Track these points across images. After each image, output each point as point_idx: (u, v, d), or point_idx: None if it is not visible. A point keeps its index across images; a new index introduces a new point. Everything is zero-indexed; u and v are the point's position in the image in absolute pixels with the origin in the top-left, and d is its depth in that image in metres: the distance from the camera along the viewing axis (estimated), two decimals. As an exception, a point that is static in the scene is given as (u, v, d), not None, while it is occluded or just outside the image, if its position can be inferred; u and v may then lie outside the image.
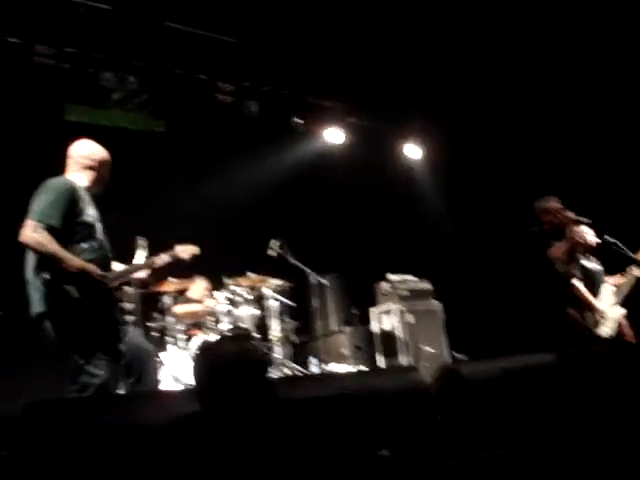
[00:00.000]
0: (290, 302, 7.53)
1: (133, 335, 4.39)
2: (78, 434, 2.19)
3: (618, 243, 5.92)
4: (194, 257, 5.06)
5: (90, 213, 4.16)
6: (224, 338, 2.57)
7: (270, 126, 8.76)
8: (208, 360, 2.05)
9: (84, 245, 4.03)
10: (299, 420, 2.41)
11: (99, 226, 4.24)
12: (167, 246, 7.21)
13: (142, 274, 4.70)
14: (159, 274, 4.79)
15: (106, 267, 4.14)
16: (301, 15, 7.34)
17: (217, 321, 6.96)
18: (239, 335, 6.45)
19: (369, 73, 8.42)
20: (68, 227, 3.98)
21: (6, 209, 6.36)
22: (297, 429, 2.33)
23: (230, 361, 1.98)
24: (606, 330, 5.74)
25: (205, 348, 2.19)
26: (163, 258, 4.73)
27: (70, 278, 3.85)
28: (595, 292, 5.88)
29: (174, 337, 6.79)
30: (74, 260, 3.88)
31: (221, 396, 1.95)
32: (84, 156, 4.34)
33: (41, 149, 7.28)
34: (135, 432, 2.22)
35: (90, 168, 4.31)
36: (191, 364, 4.99)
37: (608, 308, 5.82)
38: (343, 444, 2.64)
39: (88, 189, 4.29)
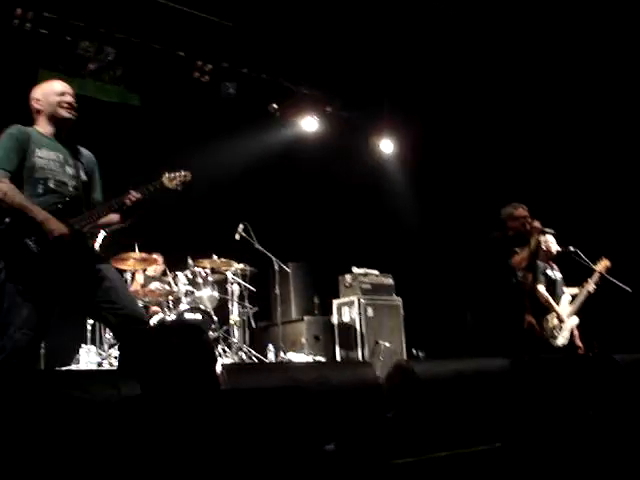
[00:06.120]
0: (252, 287, 7.52)
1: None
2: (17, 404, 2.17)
3: (579, 253, 6.04)
4: (185, 185, 4.32)
5: (43, 155, 3.96)
6: (174, 326, 2.53)
7: (246, 109, 8.71)
8: (153, 345, 2.04)
9: (33, 190, 3.86)
10: (246, 410, 2.41)
11: (56, 167, 4.00)
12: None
13: (114, 217, 4.22)
14: (131, 214, 4.31)
15: (61, 212, 3.89)
16: (285, 2, 7.31)
17: (177, 301, 6.93)
18: (192, 325, 6.40)
19: (349, 64, 8.42)
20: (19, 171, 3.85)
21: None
22: (242, 420, 2.33)
23: (175, 350, 1.97)
24: (561, 340, 5.84)
25: (154, 333, 2.17)
26: (132, 196, 4.15)
27: (32, 230, 3.72)
28: (556, 301, 5.98)
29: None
30: (38, 211, 3.74)
31: (162, 382, 1.94)
32: (31, 103, 4.20)
33: (13, 114, 7.18)
34: (74, 408, 2.21)
35: (38, 111, 4.17)
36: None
37: (566, 317, 5.92)
38: (289, 437, 2.65)
39: (47, 131, 4.07)
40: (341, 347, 8.01)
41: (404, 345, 8.11)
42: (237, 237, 7.43)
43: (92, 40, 7.40)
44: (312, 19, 7.55)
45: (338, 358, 7.91)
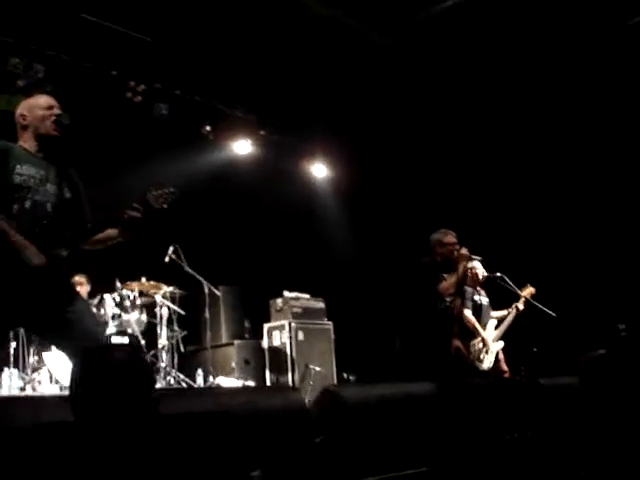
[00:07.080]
0: (181, 310, 7.43)
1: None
2: None
3: (505, 278, 6.17)
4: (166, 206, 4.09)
5: (23, 171, 3.79)
6: (111, 346, 2.44)
7: (179, 130, 8.64)
8: (88, 367, 1.97)
9: (8, 210, 3.65)
10: (173, 436, 2.37)
11: (35, 185, 3.82)
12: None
13: (111, 232, 4.13)
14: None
15: (39, 236, 3.68)
16: (221, 26, 7.32)
17: (104, 325, 6.79)
18: (128, 345, 6.29)
19: (283, 88, 8.46)
20: None
21: None
22: (171, 445, 2.29)
23: (113, 372, 1.92)
24: (486, 363, 5.94)
25: (88, 354, 2.10)
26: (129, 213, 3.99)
27: (9, 255, 3.55)
28: (483, 325, 6.08)
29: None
30: (18, 237, 3.56)
31: (96, 407, 1.87)
32: (17, 119, 4.06)
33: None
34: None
35: (23, 127, 4.02)
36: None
37: (491, 342, 6.03)
38: (215, 463, 2.62)
39: (31, 148, 3.93)
40: (271, 371, 7.97)
41: (335, 369, 8.12)
42: (167, 260, 7.35)
43: (22, 57, 7.26)
44: (245, 43, 7.58)
45: (268, 382, 7.87)
